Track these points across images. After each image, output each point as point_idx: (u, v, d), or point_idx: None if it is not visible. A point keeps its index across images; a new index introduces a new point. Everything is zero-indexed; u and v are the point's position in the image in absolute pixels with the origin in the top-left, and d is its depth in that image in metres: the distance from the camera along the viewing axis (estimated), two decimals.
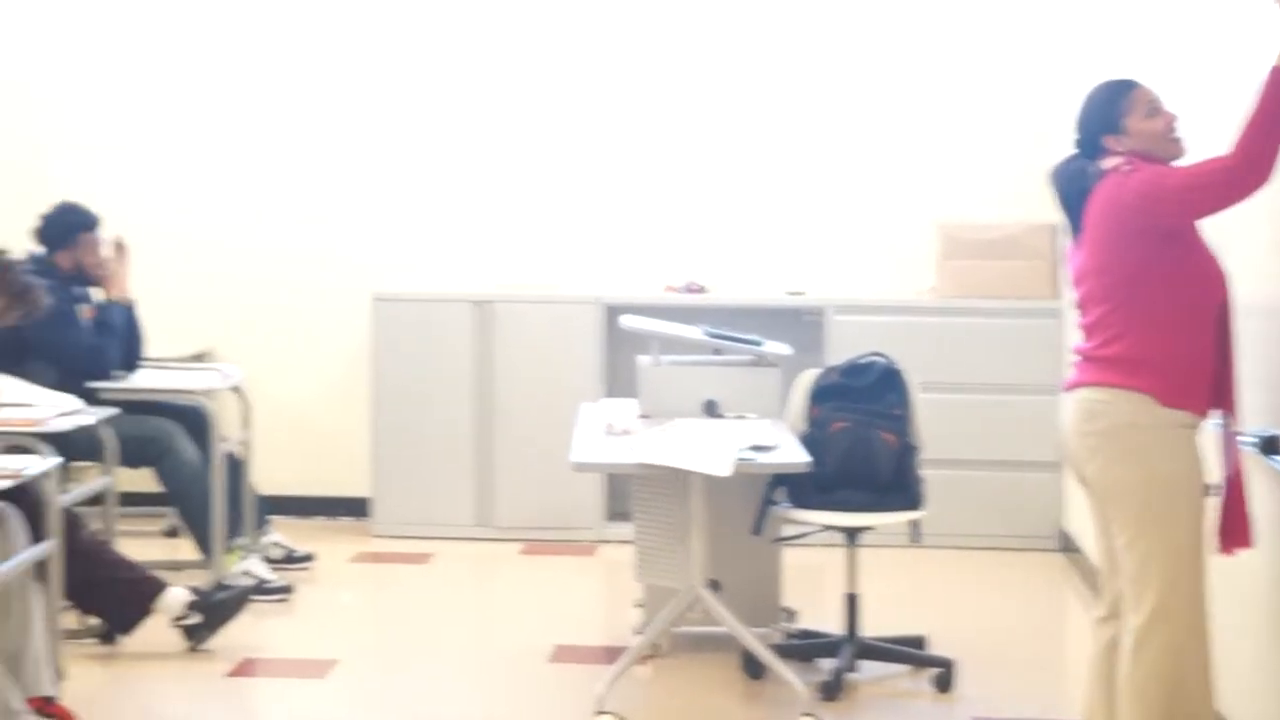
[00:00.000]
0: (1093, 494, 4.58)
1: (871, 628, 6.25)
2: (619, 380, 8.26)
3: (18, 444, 5.66)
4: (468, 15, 8.94)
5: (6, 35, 9.06)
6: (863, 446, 6.09)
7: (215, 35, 9.01)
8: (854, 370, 6.34)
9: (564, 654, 6.55)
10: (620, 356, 8.32)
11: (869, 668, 6.17)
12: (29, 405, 6.15)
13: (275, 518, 8.05)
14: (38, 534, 5.42)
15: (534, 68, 8.95)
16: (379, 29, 8.97)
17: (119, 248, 7.32)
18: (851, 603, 6.17)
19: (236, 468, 7.50)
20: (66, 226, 7.23)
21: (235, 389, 7.72)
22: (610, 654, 6.34)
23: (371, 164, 9.04)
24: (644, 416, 6.45)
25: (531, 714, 5.92)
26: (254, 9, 8.99)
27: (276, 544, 7.82)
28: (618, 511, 8.34)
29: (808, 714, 5.60)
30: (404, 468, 8.63)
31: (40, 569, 5.49)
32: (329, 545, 8.26)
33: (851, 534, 6.13)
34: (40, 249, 7.27)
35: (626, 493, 7.09)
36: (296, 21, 8.98)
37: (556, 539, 8.49)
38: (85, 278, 7.26)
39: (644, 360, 6.65)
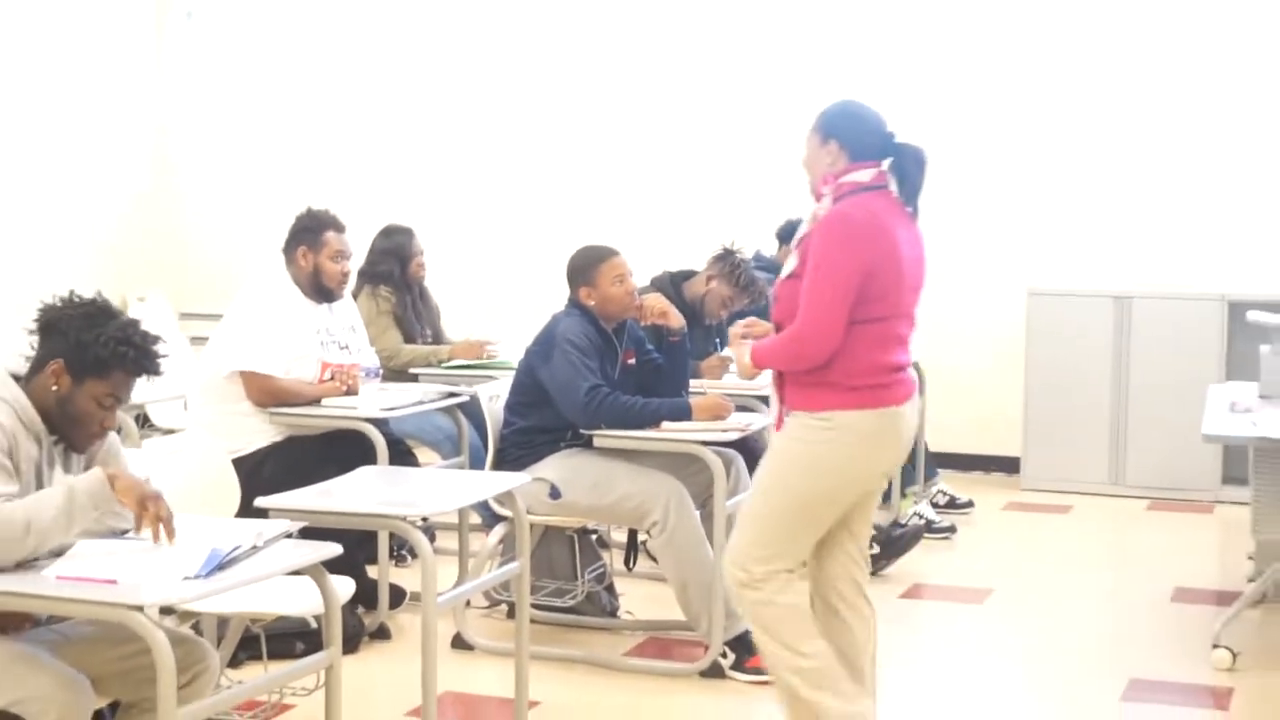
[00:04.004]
0: None
1: None
2: (1238, 366, 8.06)
3: (741, 404, 5.86)
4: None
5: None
6: None
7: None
8: None
9: (1183, 595, 6.50)
10: (1238, 346, 8.16)
11: None
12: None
13: (942, 470, 8.16)
14: None
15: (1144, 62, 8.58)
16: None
17: None
18: None
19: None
20: None
21: (913, 363, 7.44)
22: (1223, 597, 6.30)
23: (1032, 167, 8.83)
24: (1264, 397, 6.26)
25: (1156, 642, 5.86)
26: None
27: (942, 491, 7.96)
28: (1232, 476, 8.27)
29: None
30: (1050, 434, 8.65)
31: None
32: (984, 495, 8.27)
33: None
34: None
35: (1242, 460, 6.97)
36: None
37: (1179, 498, 8.38)
38: None
39: (1266, 349, 6.39)
